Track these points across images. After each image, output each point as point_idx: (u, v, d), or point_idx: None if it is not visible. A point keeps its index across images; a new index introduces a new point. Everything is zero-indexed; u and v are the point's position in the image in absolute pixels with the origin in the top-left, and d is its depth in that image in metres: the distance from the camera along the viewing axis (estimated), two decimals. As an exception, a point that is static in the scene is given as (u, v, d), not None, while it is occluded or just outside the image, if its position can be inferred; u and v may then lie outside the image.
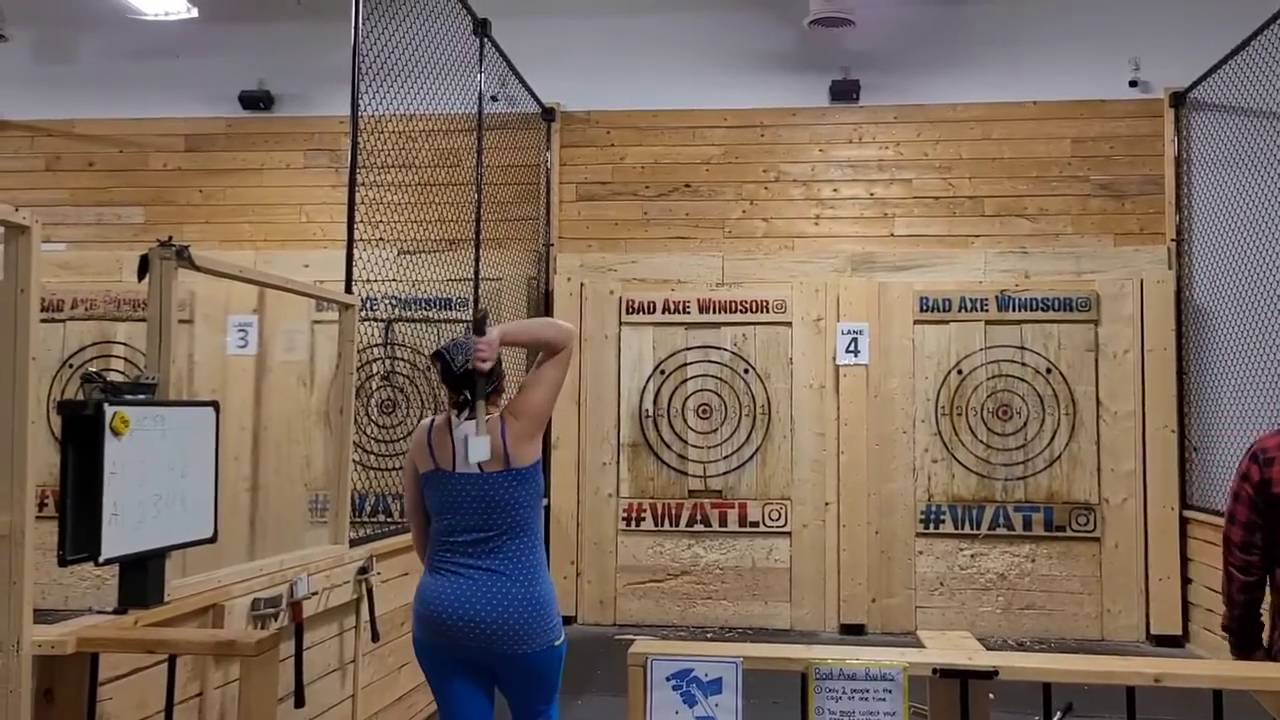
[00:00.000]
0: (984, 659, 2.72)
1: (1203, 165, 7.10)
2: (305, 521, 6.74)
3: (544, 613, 3.18)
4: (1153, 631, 6.87)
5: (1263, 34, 6.16)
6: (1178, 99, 7.20)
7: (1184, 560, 6.90)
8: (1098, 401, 7.03)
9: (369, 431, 6.73)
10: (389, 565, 4.71)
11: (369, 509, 6.39)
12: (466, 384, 3.21)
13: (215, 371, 7.28)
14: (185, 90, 8.12)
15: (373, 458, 6.69)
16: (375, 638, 4.43)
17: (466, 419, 3.22)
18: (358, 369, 4.67)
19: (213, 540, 3.26)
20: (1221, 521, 6.35)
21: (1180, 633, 6.84)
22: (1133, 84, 7.29)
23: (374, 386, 6.83)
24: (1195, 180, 7.16)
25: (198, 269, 3.29)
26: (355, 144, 4.77)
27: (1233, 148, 6.72)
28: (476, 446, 3.13)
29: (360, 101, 4.79)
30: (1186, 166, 7.20)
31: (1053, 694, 2.77)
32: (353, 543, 4.43)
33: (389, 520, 6.27)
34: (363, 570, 4.37)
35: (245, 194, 8.07)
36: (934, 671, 2.65)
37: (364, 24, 4.76)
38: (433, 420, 3.39)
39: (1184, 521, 6.90)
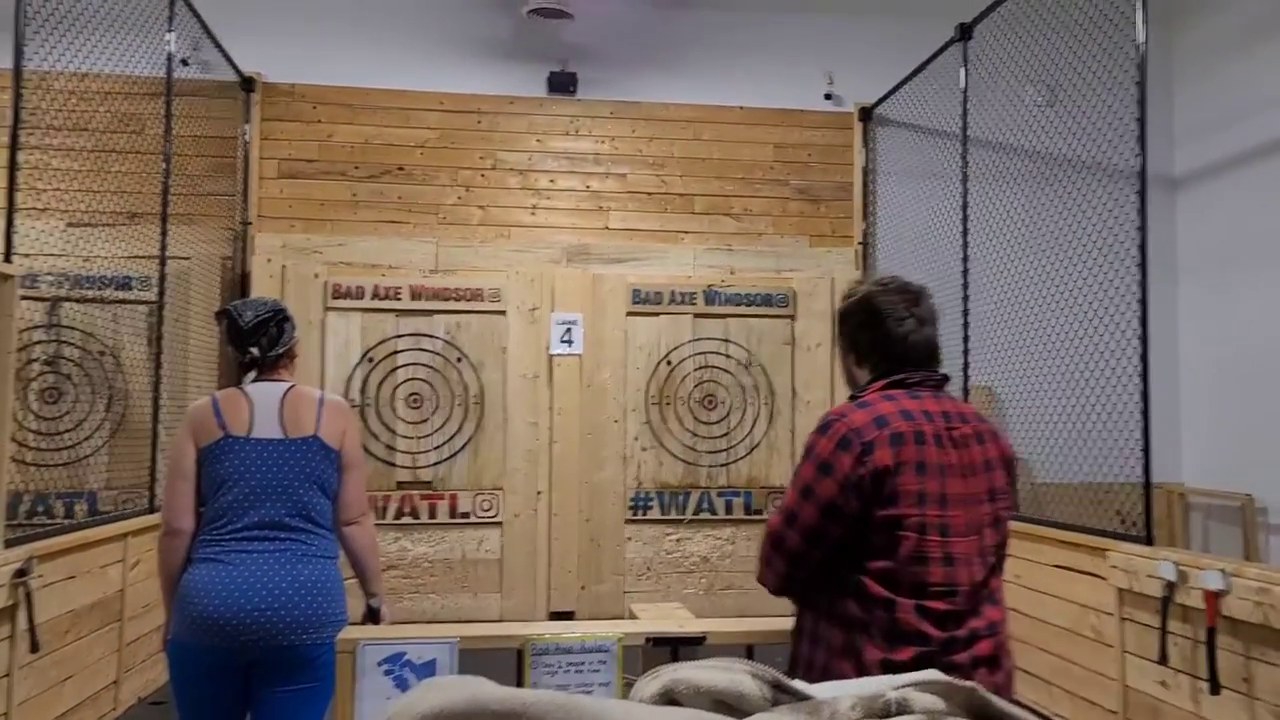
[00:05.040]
0: (694, 626, 2.81)
1: (886, 175, 7.72)
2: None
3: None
4: (838, 607, 7.36)
5: (934, 61, 6.78)
6: (865, 113, 7.78)
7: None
8: (793, 391, 7.46)
9: (28, 424, 6.00)
10: (54, 567, 4.22)
11: (24, 511, 5.70)
12: (255, 339, 3.13)
13: None
14: None
15: (31, 453, 5.97)
16: (35, 648, 3.97)
17: (256, 379, 3.11)
18: (16, 352, 4.16)
19: None
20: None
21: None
22: (828, 97, 7.79)
23: (35, 372, 6.09)
24: (880, 189, 7.77)
25: None
26: (19, 99, 4.27)
27: (910, 161, 7.35)
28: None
29: (25, 51, 4.29)
30: (872, 176, 7.79)
31: (755, 655, 2.86)
32: (8, 543, 3.92)
33: (51, 522, 5.63)
34: (21, 573, 3.88)
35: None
36: (647, 640, 2.68)
37: (31, -38, 4.25)
38: (213, 395, 3.16)
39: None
